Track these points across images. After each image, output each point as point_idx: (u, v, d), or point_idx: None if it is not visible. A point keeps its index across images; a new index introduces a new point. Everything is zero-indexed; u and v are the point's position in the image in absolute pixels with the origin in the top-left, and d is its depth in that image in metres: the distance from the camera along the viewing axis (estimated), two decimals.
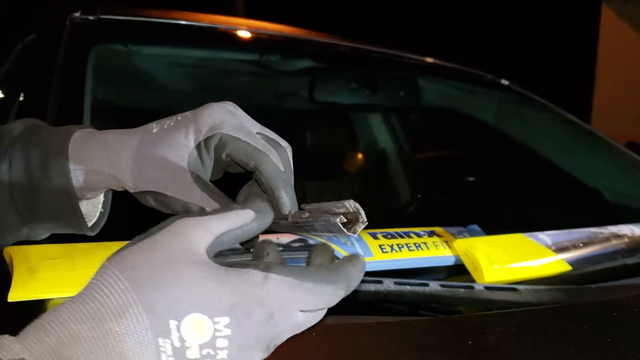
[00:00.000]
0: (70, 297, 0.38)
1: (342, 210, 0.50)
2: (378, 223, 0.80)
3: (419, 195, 1.79)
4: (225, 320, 0.38)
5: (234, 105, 0.53)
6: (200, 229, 0.40)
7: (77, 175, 0.53)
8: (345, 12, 7.16)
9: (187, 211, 0.50)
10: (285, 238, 0.72)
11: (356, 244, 0.74)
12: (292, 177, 0.53)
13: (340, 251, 0.72)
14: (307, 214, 0.51)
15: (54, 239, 0.60)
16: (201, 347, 0.37)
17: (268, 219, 0.43)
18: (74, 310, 0.37)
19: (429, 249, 0.79)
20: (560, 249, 0.82)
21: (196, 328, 0.37)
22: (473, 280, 0.75)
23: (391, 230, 0.80)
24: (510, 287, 0.71)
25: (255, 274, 0.39)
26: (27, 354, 0.35)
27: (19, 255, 0.58)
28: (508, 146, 1.67)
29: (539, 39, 6.80)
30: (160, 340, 0.37)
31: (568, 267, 0.80)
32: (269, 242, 0.46)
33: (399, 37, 4.41)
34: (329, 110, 1.66)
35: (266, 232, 0.54)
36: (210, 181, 0.52)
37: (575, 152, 1.60)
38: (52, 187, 0.53)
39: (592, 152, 1.58)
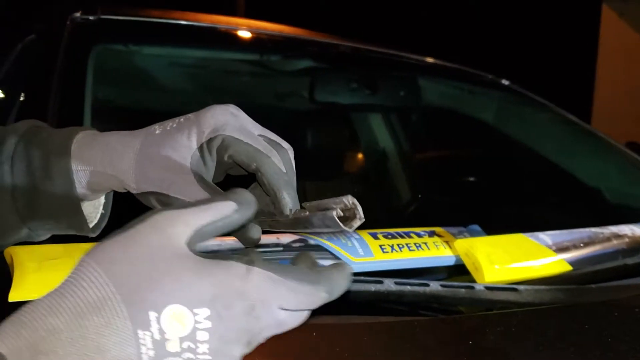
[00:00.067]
0: (48, 292, 0.38)
1: (340, 206, 0.50)
2: (378, 223, 0.80)
3: (420, 195, 1.80)
4: (205, 312, 0.37)
5: (237, 107, 0.53)
6: (179, 221, 0.40)
7: (79, 176, 0.53)
8: (345, 12, 7.16)
9: None
10: (285, 238, 0.72)
11: (357, 244, 0.74)
12: (295, 179, 0.53)
13: (340, 251, 0.72)
14: (307, 212, 0.51)
15: (55, 239, 0.60)
16: (181, 339, 0.37)
17: (250, 210, 0.42)
18: (52, 304, 0.37)
19: (430, 249, 0.79)
20: (560, 249, 0.82)
21: (176, 320, 0.37)
22: (473, 281, 0.75)
23: (392, 230, 0.80)
24: (510, 287, 0.71)
25: (238, 266, 0.39)
26: (4, 348, 0.35)
27: (19, 256, 0.58)
28: (508, 146, 1.67)
29: (539, 39, 6.81)
30: (140, 333, 0.36)
31: (568, 267, 0.80)
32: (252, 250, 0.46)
33: (399, 37, 4.41)
34: (329, 110, 1.66)
35: (266, 232, 0.54)
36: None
37: (576, 152, 1.60)
38: (54, 188, 0.53)
39: (592, 152, 1.58)
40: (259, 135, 0.52)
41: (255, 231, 0.50)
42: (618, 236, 0.88)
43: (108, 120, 1.26)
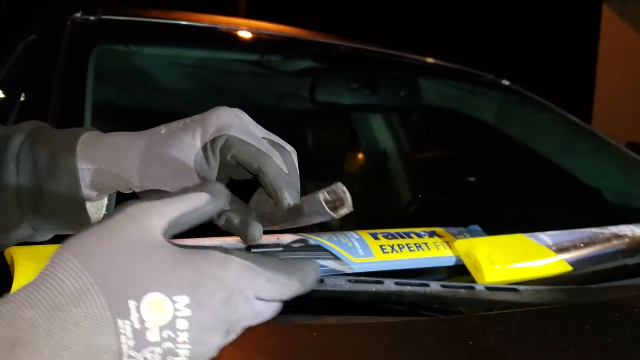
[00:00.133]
0: (23, 285, 0.38)
1: (328, 191, 0.51)
2: (379, 223, 0.80)
3: (420, 196, 1.80)
4: (184, 299, 0.38)
5: (241, 111, 0.54)
6: (153, 212, 0.40)
7: (84, 175, 0.54)
8: (345, 12, 7.16)
9: None
10: (285, 238, 0.72)
11: (357, 244, 0.74)
12: (298, 180, 0.54)
13: (341, 251, 0.72)
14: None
15: (56, 239, 0.60)
16: (161, 328, 0.37)
17: (222, 200, 0.43)
18: (28, 296, 0.37)
19: (430, 249, 0.79)
20: (561, 249, 0.82)
21: (156, 308, 0.37)
22: (474, 281, 0.75)
23: (392, 231, 0.80)
24: (511, 288, 0.71)
25: (216, 255, 0.39)
26: None
27: (20, 256, 0.59)
28: (508, 146, 1.67)
29: (539, 39, 6.80)
30: (120, 322, 0.36)
31: (569, 268, 0.80)
32: None
33: (399, 37, 4.41)
34: (330, 110, 1.66)
35: (266, 232, 0.54)
36: None
37: (576, 152, 1.60)
38: (59, 186, 0.53)
39: (592, 152, 1.58)
40: (263, 137, 0.53)
41: (256, 229, 0.51)
42: (618, 236, 0.88)
43: (109, 120, 1.26)
